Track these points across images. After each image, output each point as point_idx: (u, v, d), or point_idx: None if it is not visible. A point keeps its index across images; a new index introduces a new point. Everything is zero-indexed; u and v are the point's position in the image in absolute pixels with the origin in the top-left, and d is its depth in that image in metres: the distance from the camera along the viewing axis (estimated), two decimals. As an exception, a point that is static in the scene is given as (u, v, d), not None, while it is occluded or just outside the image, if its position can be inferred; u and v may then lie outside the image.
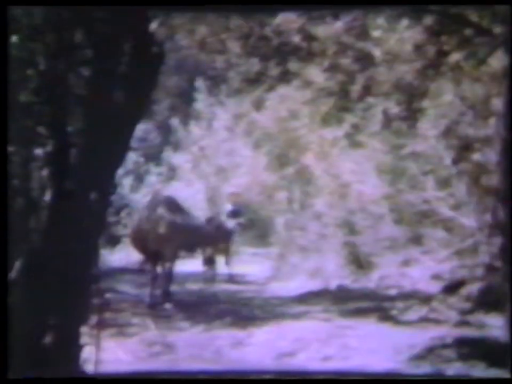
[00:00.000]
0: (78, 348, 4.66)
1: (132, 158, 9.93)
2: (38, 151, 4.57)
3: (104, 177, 4.85)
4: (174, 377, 4.45)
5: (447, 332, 7.22)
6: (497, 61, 8.30)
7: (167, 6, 4.88)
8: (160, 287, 8.37)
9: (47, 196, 4.63)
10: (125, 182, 8.93)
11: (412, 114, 9.67)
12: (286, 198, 10.11)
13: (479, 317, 7.56)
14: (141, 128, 9.98)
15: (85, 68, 4.74)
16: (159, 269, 8.37)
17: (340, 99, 10.54)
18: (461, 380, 4.26)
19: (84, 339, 4.72)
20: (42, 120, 4.56)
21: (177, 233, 8.30)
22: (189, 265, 9.25)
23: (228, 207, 9.85)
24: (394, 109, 9.89)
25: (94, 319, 4.89)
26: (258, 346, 7.29)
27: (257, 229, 9.86)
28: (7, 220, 4.34)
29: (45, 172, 4.63)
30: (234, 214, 9.72)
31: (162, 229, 8.19)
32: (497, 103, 8.30)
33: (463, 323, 7.47)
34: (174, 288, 8.49)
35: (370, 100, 10.12)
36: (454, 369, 6.68)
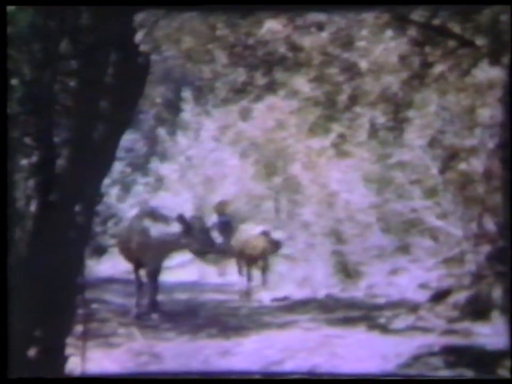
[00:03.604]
0: (63, 359, 4.63)
1: (118, 167, 9.91)
2: (24, 162, 4.57)
3: (90, 187, 4.85)
4: (174, 377, 4.45)
5: (434, 340, 7.25)
6: (481, 72, 8.41)
7: (156, 6, 4.90)
8: (147, 297, 8.36)
9: (32, 206, 4.62)
10: (112, 192, 8.92)
11: (398, 124, 9.76)
12: (274, 208, 10.13)
13: (466, 325, 7.60)
14: (127, 138, 9.95)
15: (70, 78, 4.74)
16: (144, 279, 8.37)
17: (327, 109, 10.62)
18: (461, 380, 4.28)
19: (69, 350, 4.70)
20: (28, 130, 4.55)
21: (156, 243, 8.29)
22: (177, 274, 9.23)
23: (214, 218, 9.78)
24: (381, 119, 9.99)
25: (79, 329, 4.86)
26: (246, 356, 7.29)
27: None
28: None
29: (30, 183, 4.62)
30: (223, 225, 9.66)
31: (142, 238, 8.21)
32: (482, 113, 8.40)
33: (450, 331, 7.51)
34: (161, 297, 8.47)
35: (356, 109, 10.20)
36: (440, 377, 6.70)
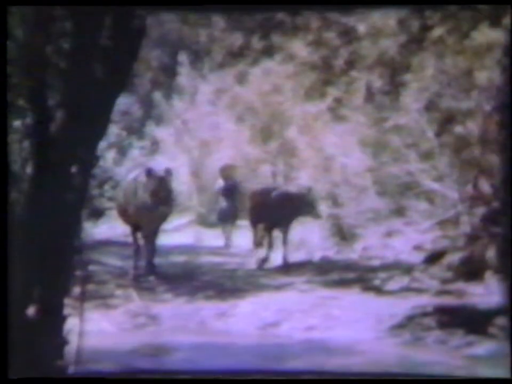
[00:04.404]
0: (62, 318, 4.69)
1: (114, 131, 9.88)
2: (17, 123, 4.56)
3: (85, 149, 4.85)
4: (174, 377, 4.51)
5: (428, 301, 7.34)
6: (480, 35, 8.35)
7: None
8: (144, 259, 8.41)
9: (28, 169, 4.63)
10: (108, 156, 8.91)
11: (394, 88, 9.72)
12: (270, 172, 10.14)
13: (460, 285, 7.68)
14: (122, 102, 9.91)
15: (64, 40, 4.71)
16: (141, 241, 8.40)
17: (323, 73, 10.57)
18: (461, 380, 4.33)
19: (67, 311, 4.76)
20: (21, 92, 4.54)
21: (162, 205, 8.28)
22: (174, 238, 9.28)
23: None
24: (377, 83, 9.95)
25: (77, 290, 4.93)
26: (242, 317, 7.37)
27: (241, 202, 9.88)
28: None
29: (25, 144, 4.62)
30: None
31: (140, 201, 8.19)
32: (480, 76, 8.36)
33: (443, 292, 7.60)
34: (158, 260, 8.53)
35: (353, 73, 10.16)
36: (433, 336, 6.81)
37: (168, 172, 8.50)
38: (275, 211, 8.80)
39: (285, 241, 8.73)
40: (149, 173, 8.29)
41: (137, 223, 8.38)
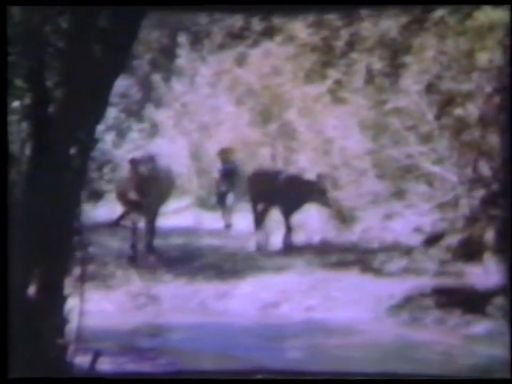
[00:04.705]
0: (62, 298, 4.71)
1: (113, 113, 9.86)
2: (16, 104, 4.54)
3: (84, 131, 4.84)
4: (174, 377, 4.53)
5: (427, 282, 7.37)
6: (482, 15, 8.29)
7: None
8: (143, 240, 8.42)
9: (27, 150, 4.63)
10: (107, 138, 8.89)
11: (394, 70, 9.69)
12: (270, 154, 10.13)
13: (458, 266, 7.71)
14: (121, 84, 9.89)
15: (63, 20, 4.68)
16: (139, 223, 8.36)
17: (323, 55, 10.53)
18: (462, 380, 4.35)
19: (67, 291, 4.78)
20: (19, 72, 4.52)
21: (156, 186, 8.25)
22: (173, 220, 9.29)
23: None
24: (378, 65, 9.91)
25: (77, 271, 4.94)
26: (242, 298, 7.41)
27: (240, 184, 9.87)
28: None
29: (24, 125, 4.61)
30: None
31: (141, 182, 8.16)
32: (481, 57, 8.32)
33: (442, 273, 7.63)
34: (157, 242, 8.55)
35: (354, 55, 10.12)
36: (431, 316, 6.85)
37: (151, 159, 8.33)
38: (283, 194, 8.76)
39: (288, 225, 8.69)
40: (132, 165, 8.15)
41: (136, 205, 8.33)
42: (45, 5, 4.56)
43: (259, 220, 8.87)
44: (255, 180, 8.98)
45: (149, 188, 8.12)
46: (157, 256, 8.36)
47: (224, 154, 9.63)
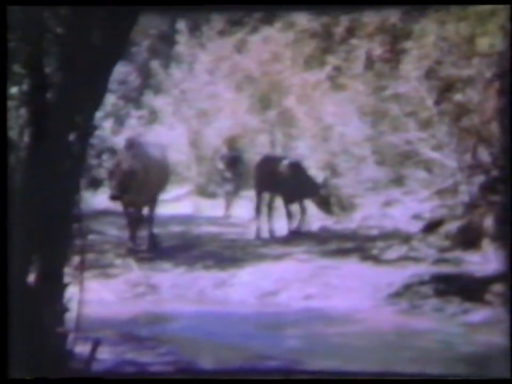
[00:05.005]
0: (62, 286, 4.70)
1: (111, 100, 9.81)
2: (14, 90, 4.51)
3: (82, 117, 4.81)
4: (175, 377, 4.52)
5: (426, 270, 7.37)
6: (484, -1, 8.22)
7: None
8: (142, 229, 8.36)
9: (26, 136, 4.60)
10: (106, 125, 8.85)
11: (395, 56, 9.64)
12: (269, 141, 10.11)
13: (457, 254, 7.71)
14: (120, 71, 9.84)
15: (61, 5, 4.64)
16: (137, 212, 8.26)
17: (323, 41, 10.47)
18: (462, 380, 4.34)
19: (67, 279, 4.77)
20: (17, 58, 4.48)
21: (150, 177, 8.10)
22: (173, 208, 9.28)
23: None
24: (378, 50, 9.86)
25: (77, 260, 4.93)
26: (241, 286, 7.40)
27: (244, 172, 9.84)
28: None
29: (22, 112, 4.58)
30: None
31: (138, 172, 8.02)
32: (482, 42, 8.27)
33: (441, 260, 7.62)
34: (156, 230, 8.52)
35: (353, 41, 10.07)
36: (430, 304, 6.85)
37: (140, 150, 8.00)
38: (287, 182, 8.68)
39: (289, 213, 8.65)
40: (116, 163, 7.84)
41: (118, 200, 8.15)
42: (45, 5, 4.53)
43: (262, 208, 8.79)
44: (263, 166, 8.88)
45: (130, 183, 7.86)
46: (156, 246, 8.33)
47: (230, 142, 9.62)
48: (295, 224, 8.67)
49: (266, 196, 8.84)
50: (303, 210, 8.66)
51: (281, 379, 4.61)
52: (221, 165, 9.60)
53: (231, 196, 9.52)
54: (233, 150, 9.60)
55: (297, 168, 8.73)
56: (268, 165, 8.85)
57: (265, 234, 8.70)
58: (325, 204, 8.55)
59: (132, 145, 8.05)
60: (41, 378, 4.25)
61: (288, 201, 8.68)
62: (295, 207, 8.77)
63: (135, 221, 8.20)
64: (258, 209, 8.75)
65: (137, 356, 5.45)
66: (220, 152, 9.75)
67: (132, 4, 4.61)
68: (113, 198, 7.95)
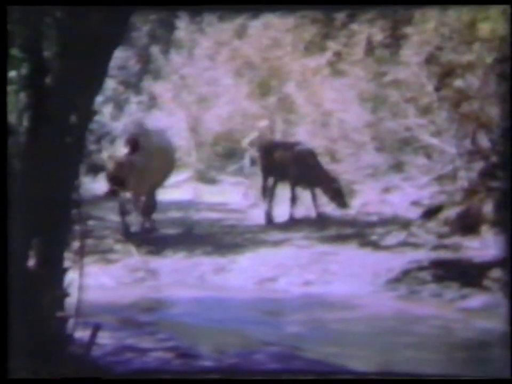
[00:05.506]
0: (62, 271, 4.71)
1: (111, 86, 9.78)
2: (13, 74, 4.49)
3: (82, 102, 4.80)
4: (175, 377, 4.54)
5: (425, 255, 7.39)
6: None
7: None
8: (139, 215, 8.34)
9: (25, 120, 4.59)
10: (105, 111, 8.82)
11: (395, 41, 9.61)
12: (268, 127, 10.09)
13: (456, 239, 7.72)
14: (119, 56, 9.80)
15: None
16: (129, 198, 8.21)
17: (324, 27, 10.42)
18: (462, 380, 4.36)
19: (67, 264, 4.78)
20: (16, 42, 4.46)
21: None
22: (173, 194, 9.27)
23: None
24: (378, 36, 9.83)
25: (76, 245, 4.94)
26: (240, 272, 7.42)
27: (240, 157, 9.84)
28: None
29: (21, 96, 4.57)
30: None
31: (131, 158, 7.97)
32: (483, 27, 8.24)
33: (440, 246, 7.64)
34: (156, 216, 8.53)
35: (354, 26, 10.03)
36: (429, 290, 6.87)
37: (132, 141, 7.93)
38: (296, 167, 8.62)
39: (293, 199, 8.61)
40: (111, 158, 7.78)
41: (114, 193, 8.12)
42: (45, 5, 4.51)
43: (269, 192, 8.71)
44: (271, 151, 8.80)
45: (127, 176, 7.83)
46: (156, 231, 8.35)
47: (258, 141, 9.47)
48: (296, 209, 8.67)
49: (270, 181, 8.83)
50: (314, 197, 8.62)
51: (281, 379, 4.63)
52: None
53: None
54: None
55: (310, 155, 8.72)
56: (277, 150, 8.82)
57: (262, 220, 8.70)
58: (338, 197, 8.53)
59: (135, 147, 8.00)
60: (41, 379, 4.27)
61: (295, 186, 8.65)
62: (305, 194, 8.76)
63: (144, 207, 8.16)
64: (265, 194, 8.72)
65: (137, 341, 5.47)
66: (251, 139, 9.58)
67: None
68: (110, 193, 7.93)
